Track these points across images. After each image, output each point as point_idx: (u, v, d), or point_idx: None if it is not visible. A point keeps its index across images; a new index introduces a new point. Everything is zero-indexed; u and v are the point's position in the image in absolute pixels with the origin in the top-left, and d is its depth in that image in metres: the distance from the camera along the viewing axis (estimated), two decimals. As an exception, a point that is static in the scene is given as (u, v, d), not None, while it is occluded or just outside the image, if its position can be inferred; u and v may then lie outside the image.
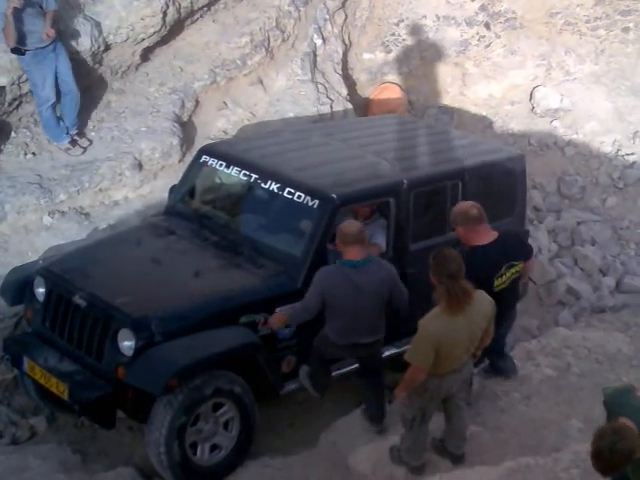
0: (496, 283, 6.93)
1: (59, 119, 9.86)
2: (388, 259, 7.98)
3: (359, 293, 6.94)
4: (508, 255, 7.07)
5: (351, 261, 6.96)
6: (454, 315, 6.13)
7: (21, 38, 9.18)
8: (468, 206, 7.14)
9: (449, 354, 6.23)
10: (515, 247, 7.28)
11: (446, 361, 6.26)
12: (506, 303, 6.89)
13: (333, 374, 7.77)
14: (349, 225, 7.08)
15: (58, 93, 9.70)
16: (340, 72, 12.35)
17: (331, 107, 11.68)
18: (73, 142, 9.92)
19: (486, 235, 7.06)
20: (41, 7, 9.30)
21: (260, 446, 7.62)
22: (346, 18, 12.75)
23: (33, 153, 9.81)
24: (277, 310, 7.34)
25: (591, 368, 8.60)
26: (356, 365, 7.75)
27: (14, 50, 9.18)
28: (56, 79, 9.58)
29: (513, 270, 7.12)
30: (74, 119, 9.90)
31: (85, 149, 9.94)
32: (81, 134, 10.02)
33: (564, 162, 13.34)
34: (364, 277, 6.95)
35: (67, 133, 9.89)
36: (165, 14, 10.50)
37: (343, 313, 7.01)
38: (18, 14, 9.08)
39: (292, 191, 7.85)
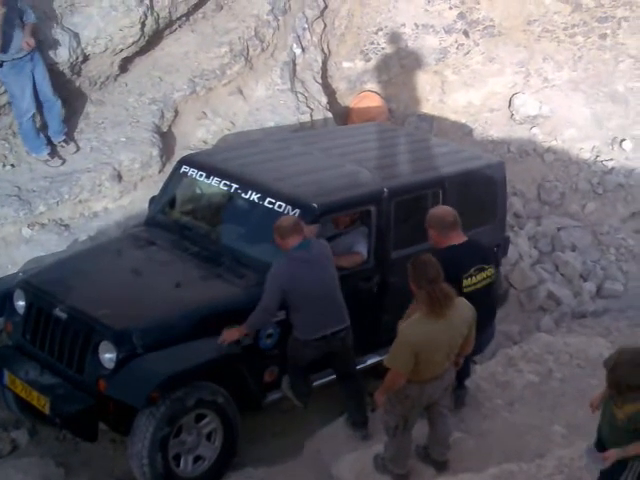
0: (465, 283, 6.92)
1: (39, 130, 9.82)
2: (369, 268, 8.00)
3: (315, 270, 7.05)
4: (477, 256, 7.09)
5: (294, 246, 7.05)
6: (436, 319, 6.14)
7: (4, 47, 9.15)
8: (445, 212, 7.19)
9: (429, 360, 6.23)
10: (484, 250, 7.33)
11: (426, 367, 6.26)
12: (478, 309, 6.85)
13: (315, 384, 7.77)
14: (285, 220, 7.19)
15: (38, 103, 9.67)
16: (320, 81, 12.36)
17: (311, 116, 11.70)
18: (52, 153, 9.89)
19: (457, 239, 7.10)
20: (21, 19, 9.30)
21: (244, 456, 7.60)
22: (325, 27, 12.78)
23: (12, 165, 9.76)
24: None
25: (573, 373, 8.62)
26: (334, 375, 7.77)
27: None
28: (35, 89, 9.57)
29: (484, 274, 7.10)
30: (58, 126, 9.89)
31: (64, 160, 9.91)
32: (68, 140, 10.00)
33: (544, 169, 13.40)
34: (312, 253, 7.09)
35: (47, 144, 9.86)
36: (143, 24, 10.49)
37: (307, 298, 7.03)
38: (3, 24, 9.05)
39: (273, 201, 7.84)
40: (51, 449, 7.97)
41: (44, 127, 9.96)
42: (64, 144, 9.97)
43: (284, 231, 7.06)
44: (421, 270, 6.23)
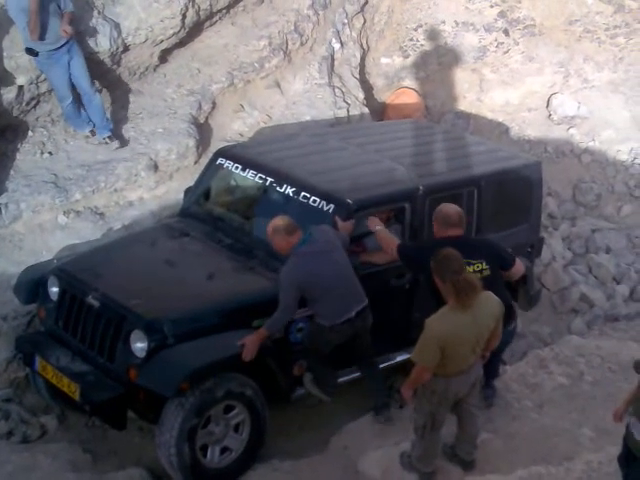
0: None
1: (80, 111, 9.88)
2: (402, 265, 7.98)
3: (326, 259, 7.11)
4: (462, 252, 6.94)
5: (298, 242, 7.11)
6: (463, 311, 6.15)
7: (41, 35, 9.21)
8: (452, 212, 7.21)
9: (455, 353, 6.24)
10: (474, 247, 7.22)
11: (452, 361, 6.27)
12: None
13: (341, 380, 7.80)
14: (280, 220, 7.21)
15: (77, 94, 9.77)
16: (357, 76, 12.37)
17: (348, 111, 11.69)
18: (92, 132, 9.96)
19: (451, 234, 7.14)
20: (59, 7, 9.35)
21: (270, 449, 7.61)
22: (365, 22, 12.78)
23: (50, 152, 9.83)
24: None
25: (604, 377, 8.58)
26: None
27: (28, 51, 9.22)
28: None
29: (470, 269, 7.02)
30: (102, 121, 9.90)
31: (106, 142, 9.95)
32: (112, 137, 9.99)
33: (580, 170, 13.32)
34: (318, 243, 7.14)
35: (89, 122, 9.93)
36: (184, 16, 10.53)
37: (326, 288, 7.08)
38: (39, 12, 9.10)
39: (307, 195, 7.86)
40: (79, 435, 8.05)
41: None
42: (108, 140, 9.97)
43: (288, 229, 7.13)
44: (444, 263, 6.32)
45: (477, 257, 7.10)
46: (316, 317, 7.27)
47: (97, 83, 10.14)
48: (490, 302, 6.42)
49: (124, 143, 10.03)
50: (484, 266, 7.12)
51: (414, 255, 7.31)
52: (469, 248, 7.07)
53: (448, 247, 6.68)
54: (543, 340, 10.23)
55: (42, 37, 9.21)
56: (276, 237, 7.19)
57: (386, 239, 7.50)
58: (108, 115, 10.07)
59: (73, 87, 9.69)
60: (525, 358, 8.96)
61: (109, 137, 9.98)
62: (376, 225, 7.59)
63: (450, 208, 7.26)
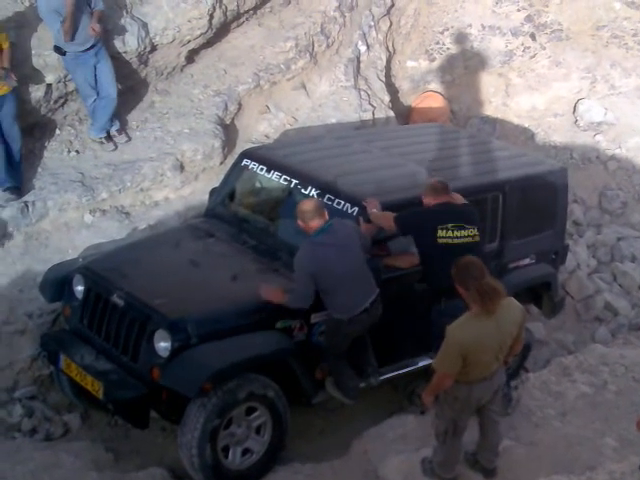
0: (439, 233, 7.17)
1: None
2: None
3: (342, 253, 7.08)
4: (456, 214, 7.29)
5: (316, 231, 7.09)
6: (487, 317, 6.11)
7: (72, 35, 9.25)
8: (434, 181, 7.56)
9: (477, 361, 6.20)
10: (468, 213, 7.42)
11: (475, 368, 6.23)
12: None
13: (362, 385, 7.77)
14: (306, 202, 7.22)
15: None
16: (383, 79, 12.35)
17: (373, 114, 11.68)
18: (108, 137, 10.00)
19: (442, 201, 7.38)
20: (89, 5, 9.39)
21: (290, 452, 7.61)
22: (391, 25, 12.76)
23: (77, 151, 9.88)
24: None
25: (628, 386, 8.52)
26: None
27: (56, 49, 9.27)
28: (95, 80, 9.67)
29: (464, 232, 7.25)
30: (105, 123, 9.91)
31: (116, 147, 9.99)
32: (109, 138, 10.00)
33: (606, 176, 13.24)
34: (336, 236, 7.12)
35: (111, 126, 9.99)
36: (212, 16, 10.57)
37: (339, 281, 7.07)
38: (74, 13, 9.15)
39: (332, 197, 7.86)
40: (102, 434, 8.09)
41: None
42: (104, 141, 9.99)
43: (306, 214, 7.11)
44: (465, 270, 6.27)
45: (471, 223, 7.32)
46: (332, 312, 7.25)
47: (123, 83, 10.17)
48: (512, 308, 6.37)
49: (116, 146, 10.02)
50: (476, 232, 7.26)
51: (411, 219, 7.43)
52: (464, 214, 7.33)
53: (445, 210, 7.25)
54: (567, 348, 10.18)
55: (72, 37, 9.25)
56: (298, 219, 7.20)
57: (382, 217, 7.54)
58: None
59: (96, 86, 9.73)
60: (548, 366, 8.91)
61: (105, 138, 9.99)
62: (372, 208, 7.62)
63: (432, 179, 7.62)
